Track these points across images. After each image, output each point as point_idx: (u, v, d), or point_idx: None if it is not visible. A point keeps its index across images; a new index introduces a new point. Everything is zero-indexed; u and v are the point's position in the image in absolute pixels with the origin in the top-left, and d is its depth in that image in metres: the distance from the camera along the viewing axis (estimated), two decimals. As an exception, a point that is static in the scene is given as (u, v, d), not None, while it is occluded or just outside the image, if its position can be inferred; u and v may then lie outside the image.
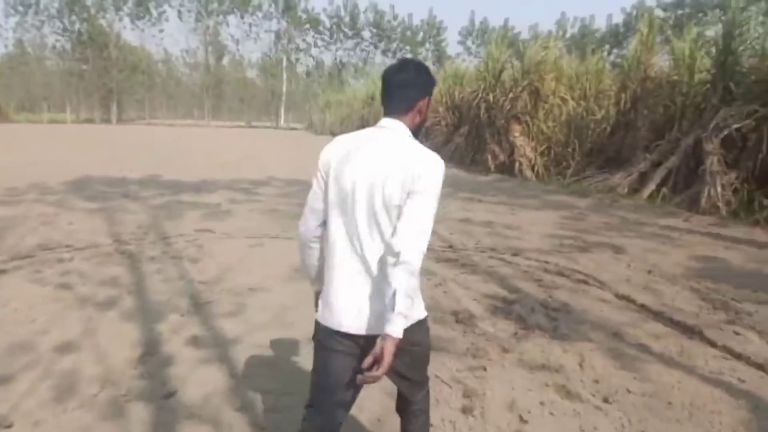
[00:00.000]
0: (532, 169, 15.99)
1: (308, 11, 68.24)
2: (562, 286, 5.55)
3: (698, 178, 10.42)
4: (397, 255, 1.81)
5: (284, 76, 69.64)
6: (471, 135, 19.32)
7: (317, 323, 2.05)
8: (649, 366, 3.73)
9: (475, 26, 68.34)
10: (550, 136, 16.39)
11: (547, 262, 6.50)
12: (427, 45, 68.38)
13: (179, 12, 67.33)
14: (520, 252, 6.94)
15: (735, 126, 10.14)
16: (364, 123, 33.60)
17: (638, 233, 8.05)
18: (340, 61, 71.48)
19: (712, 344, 4.11)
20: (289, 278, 5.48)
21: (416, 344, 2.04)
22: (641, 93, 13.52)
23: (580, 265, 6.38)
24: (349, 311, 1.94)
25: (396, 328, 1.76)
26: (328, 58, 73.09)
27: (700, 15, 27.69)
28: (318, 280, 2.14)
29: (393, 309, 1.77)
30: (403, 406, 2.26)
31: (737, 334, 4.31)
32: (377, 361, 1.76)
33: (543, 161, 16.18)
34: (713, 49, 11.64)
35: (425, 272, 5.64)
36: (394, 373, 2.02)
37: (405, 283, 1.79)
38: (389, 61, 68.33)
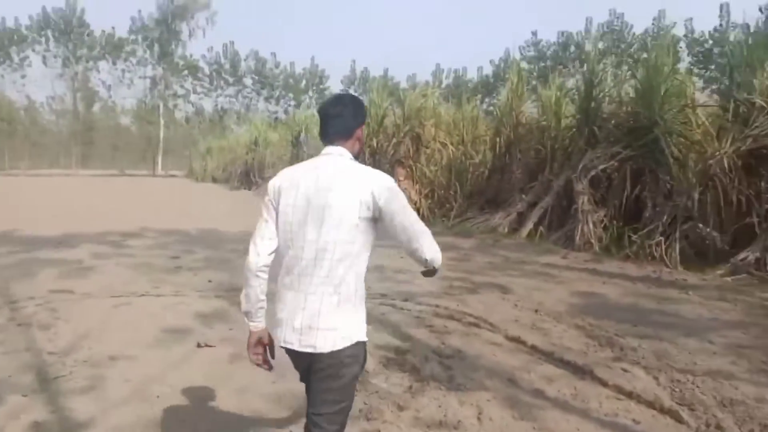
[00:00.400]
0: (418, 211, 16.14)
1: (186, 57, 66.65)
2: (455, 331, 5.40)
3: (571, 217, 10.97)
4: (427, 262, 2.16)
5: (161, 122, 66.99)
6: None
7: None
8: (546, 413, 3.59)
9: (357, 75, 70.15)
10: (432, 180, 16.75)
11: (437, 306, 6.37)
12: (311, 93, 69.03)
13: (44, 57, 63.20)
14: (411, 296, 6.76)
15: (601, 167, 10.85)
16: (248, 168, 32.85)
17: (522, 272, 8.22)
18: (222, 107, 70.16)
19: (604, 383, 4.08)
20: (157, 342, 4.88)
21: (348, 362, 2.05)
22: (514, 138, 14.22)
23: (470, 307, 6.30)
24: (295, 328, 2.04)
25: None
26: (208, 105, 71.40)
27: (560, 67, 30.24)
28: (257, 315, 2.17)
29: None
30: None
31: (625, 371, 4.33)
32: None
33: (428, 204, 16.46)
34: (576, 97, 12.53)
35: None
36: (319, 389, 2.08)
37: (437, 266, 2.18)
38: (272, 108, 68.42)
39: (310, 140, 24.36)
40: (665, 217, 8.93)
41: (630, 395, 3.87)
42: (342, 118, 2.16)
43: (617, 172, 11.03)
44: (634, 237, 9.18)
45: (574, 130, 12.58)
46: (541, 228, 11.57)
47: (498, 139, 15.26)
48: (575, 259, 9.46)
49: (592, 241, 10.09)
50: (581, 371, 4.33)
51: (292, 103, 67.84)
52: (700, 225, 8.72)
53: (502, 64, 59.14)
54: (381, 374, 4.26)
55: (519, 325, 5.67)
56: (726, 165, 8.25)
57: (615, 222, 10.40)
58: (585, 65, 12.91)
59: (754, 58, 9.11)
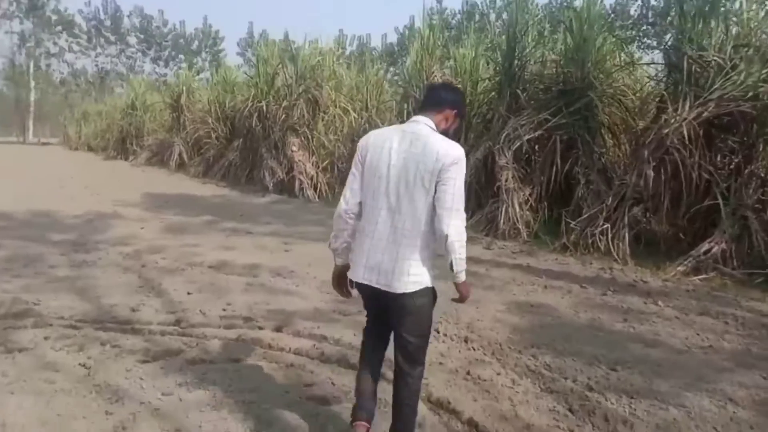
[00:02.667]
0: (315, 188, 13.99)
1: (59, 12, 59.24)
2: (347, 392, 3.36)
3: (493, 196, 9.25)
4: (441, 232, 2.37)
5: (31, 84, 59.50)
6: (246, 149, 16.78)
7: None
8: None
9: (255, 38, 65.52)
10: (332, 151, 14.59)
11: (324, 338, 4.30)
12: (204, 54, 63.77)
13: None
14: (287, 321, 4.64)
15: (526, 137, 9.15)
16: (125, 135, 28.97)
17: (440, 269, 6.33)
18: (102, 68, 63.39)
19: None
20: None
21: (421, 305, 2.51)
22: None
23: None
24: (371, 269, 2.48)
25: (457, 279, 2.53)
26: (88, 65, 64.22)
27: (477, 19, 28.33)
28: (343, 254, 2.68)
29: (452, 269, 2.47)
30: (397, 379, 2.64)
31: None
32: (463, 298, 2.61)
33: (326, 178, 14.30)
34: (497, 55, 10.74)
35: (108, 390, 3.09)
36: (402, 330, 2.54)
37: (451, 252, 2.38)
38: (159, 70, 62.55)
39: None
40: (610, 200, 7.31)
41: None
42: (439, 97, 2.59)
43: (545, 144, 9.39)
44: (573, 223, 7.52)
45: (494, 94, 10.82)
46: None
47: (406, 105, 13.32)
48: (502, 250, 7.69)
49: (519, 226, 8.39)
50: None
51: (184, 65, 62.42)
52: (647, 213, 7.23)
53: (407, 32, 57.27)
54: None
55: (446, 372, 3.73)
56: (686, 135, 6.71)
57: (544, 203, 8.77)
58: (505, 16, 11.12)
59: (708, 6, 7.63)
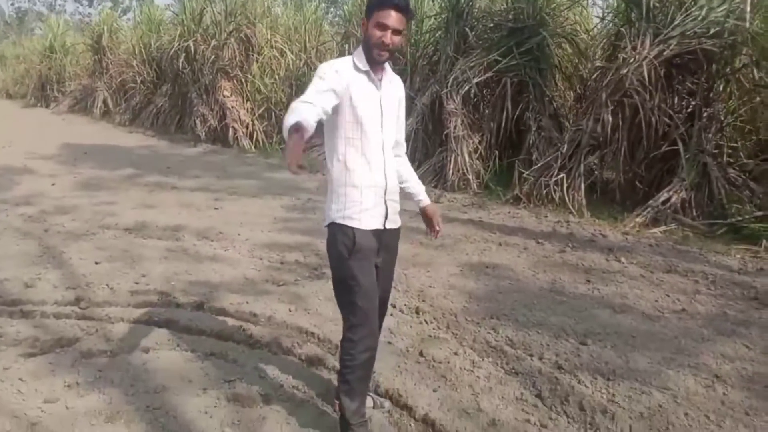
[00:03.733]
0: (251, 136, 13.03)
1: (-38, -60, 53.49)
2: (293, 371, 2.79)
3: (441, 145, 8.67)
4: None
5: (-63, 23, 54.18)
6: (174, 94, 15.50)
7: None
8: None
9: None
10: (268, 96, 13.57)
11: (254, 316, 3.69)
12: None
13: None
14: (211, 296, 3.99)
15: (476, 80, 8.52)
16: (44, 81, 26.62)
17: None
18: (19, 8, 58.22)
19: None
20: None
21: (328, 245, 2.33)
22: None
23: (312, 314, 3.71)
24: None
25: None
26: (3, 4, 58.81)
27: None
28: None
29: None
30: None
31: None
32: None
33: (263, 126, 13.34)
34: (443, -10, 9.95)
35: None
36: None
37: None
38: (83, 10, 57.97)
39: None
40: (565, 147, 6.85)
41: None
42: None
43: (494, 87, 8.81)
44: (525, 173, 7.04)
45: (440, 33, 10.07)
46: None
47: (347, 46, 12.45)
48: (452, 203, 7.18)
49: (469, 177, 7.86)
50: None
51: (109, 4, 58.09)
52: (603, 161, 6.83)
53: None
54: None
55: (395, 355, 3.20)
56: (645, 75, 6.25)
57: (495, 152, 8.26)
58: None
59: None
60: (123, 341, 3.28)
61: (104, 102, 19.77)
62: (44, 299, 3.90)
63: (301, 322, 3.57)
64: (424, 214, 2.58)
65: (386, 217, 2.31)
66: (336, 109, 2.15)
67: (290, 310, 3.77)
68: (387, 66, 2.31)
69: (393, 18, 2.13)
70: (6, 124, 17.94)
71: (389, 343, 3.34)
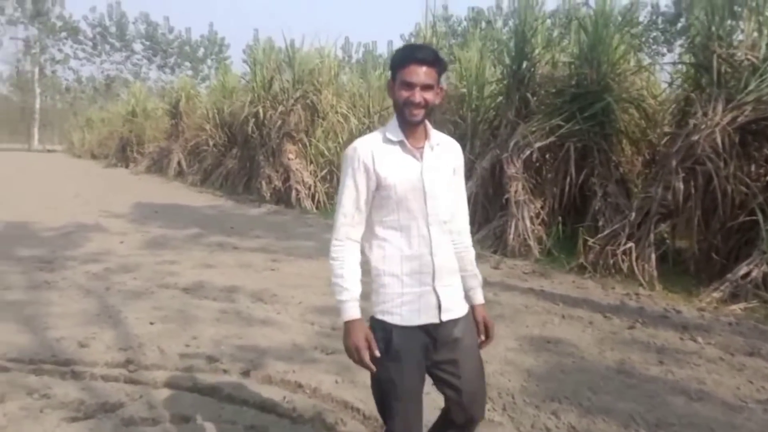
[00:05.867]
0: (312, 198, 13.28)
1: (64, 18, 59.01)
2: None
3: (501, 209, 8.49)
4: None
5: (37, 90, 59.33)
6: (243, 157, 16.11)
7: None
8: None
9: (260, 45, 64.98)
10: (331, 159, 13.86)
11: (299, 387, 3.55)
12: (209, 62, 63.38)
13: None
14: (258, 363, 3.90)
15: (537, 145, 8.38)
16: (125, 143, 28.38)
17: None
18: (108, 75, 63.07)
19: None
20: None
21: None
22: (429, 109, 11.54)
23: (359, 386, 3.55)
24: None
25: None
26: (92, 71, 63.85)
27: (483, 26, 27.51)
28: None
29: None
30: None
31: None
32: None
33: (324, 188, 13.58)
34: (505, 56, 9.99)
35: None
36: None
37: None
38: (165, 77, 62.11)
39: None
40: (633, 215, 6.53)
41: None
42: None
43: (557, 152, 8.63)
44: (591, 241, 6.73)
45: (501, 98, 10.07)
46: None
47: (409, 111, 12.64)
48: (512, 270, 6.92)
49: (531, 243, 7.62)
50: None
51: (190, 72, 62.09)
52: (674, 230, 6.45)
53: (413, 39, 56.78)
54: None
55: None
56: (719, 142, 5.94)
57: (558, 217, 8.00)
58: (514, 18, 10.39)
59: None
60: (165, 408, 3.21)
61: (178, 163, 20.83)
62: (95, 360, 3.91)
63: (347, 396, 3.40)
64: (473, 315, 2.14)
65: (440, 309, 1.96)
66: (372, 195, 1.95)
67: (336, 382, 3.62)
68: (433, 132, 2.02)
69: (418, 73, 1.89)
70: (86, 183, 19.08)
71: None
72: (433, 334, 1.95)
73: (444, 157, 2.05)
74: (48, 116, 65.07)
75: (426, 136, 2.00)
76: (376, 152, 1.94)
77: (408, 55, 1.91)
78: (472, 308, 2.12)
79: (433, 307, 1.94)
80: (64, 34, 59.84)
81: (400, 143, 1.96)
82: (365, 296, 1.97)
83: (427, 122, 2.00)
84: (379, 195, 1.95)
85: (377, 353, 1.91)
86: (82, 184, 18.72)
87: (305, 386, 3.55)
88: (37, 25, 58.34)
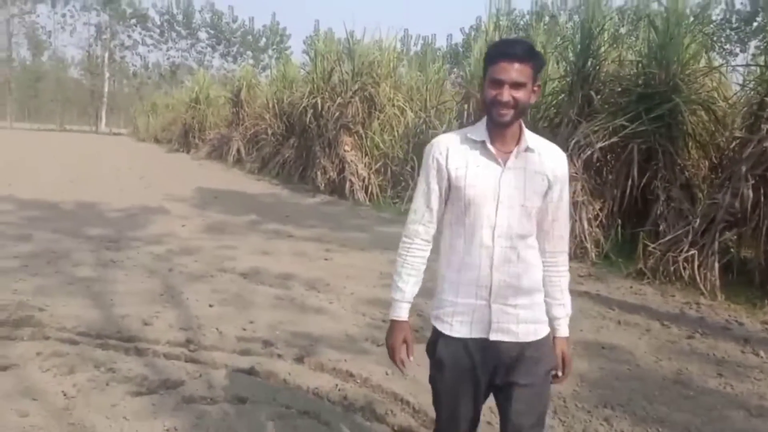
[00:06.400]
0: (366, 190, 13.37)
1: (134, 5, 61.30)
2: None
3: (558, 209, 8.33)
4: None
5: (105, 74, 61.88)
6: (300, 147, 16.37)
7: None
8: None
9: (321, 36, 65.65)
10: (386, 152, 13.92)
11: (351, 376, 3.63)
12: (270, 51, 64.58)
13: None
14: (311, 350, 4.00)
15: (599, 145, 8.19)
16: (188, 129, 29.29)
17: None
18: (174, 62, 65.17)
19: None
20: None
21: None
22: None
23: (409, 379, 3.59)
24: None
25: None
26: (158, 58, 66.28)
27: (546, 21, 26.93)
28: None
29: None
30: None
31: None
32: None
33: (378, 181, 13.65)
34: (569, 52, 9.79)
35: None
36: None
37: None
38: (227, 65, 63.72)
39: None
40: (698, 221, 6.31)
41: None
42: None
43: (620, 153, 8.41)
44: (651, 246, 6.55)
45: (564, 96, 9.86)
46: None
47: (467, 106, 12.55)
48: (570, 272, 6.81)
49: (588, 245, 7.46)
50: None
51: (251, 61, 63.38)
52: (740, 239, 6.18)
53: (473, 33, 56.05)
54: None
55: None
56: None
57: (617, 220, 7.80)
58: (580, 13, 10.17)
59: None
60: (224, 389, 3.34)
61: (237, 150, 21.32)
62: (158, 338, 4.09)
63: (397, 388, 3.45)
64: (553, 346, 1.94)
65: (490, 327, 1.81)
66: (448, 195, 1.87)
67: (387, 374, 3.67)
68: (528, 136, 1.82)
69: (508, 71, 1.72)
70: (150, 167, 19.80)
71: (488, 423, 3.12)
72: (484, 352, 1.82)
73: (538, 164, 1.82)
74: (115, 100, 67.79)
75: (518, 140, 1.81)
76: (451, 150, 1.84)
77: (498, 51, 1.77)
78: (554, 339, 1.92)
79: (483, 322, 1.81)
80: (133, 20, 62.26)
81: (482, 144, 1.82)
82: (428, 294, 2.00)
83: (522, 125, 1.83)
84: (451, 196, 1.85)
85: (410, 358, 1.94)
86: (146, 167, 19.45)
87: (356, 376, 3.62)
88: (109, 11, 60.83)
